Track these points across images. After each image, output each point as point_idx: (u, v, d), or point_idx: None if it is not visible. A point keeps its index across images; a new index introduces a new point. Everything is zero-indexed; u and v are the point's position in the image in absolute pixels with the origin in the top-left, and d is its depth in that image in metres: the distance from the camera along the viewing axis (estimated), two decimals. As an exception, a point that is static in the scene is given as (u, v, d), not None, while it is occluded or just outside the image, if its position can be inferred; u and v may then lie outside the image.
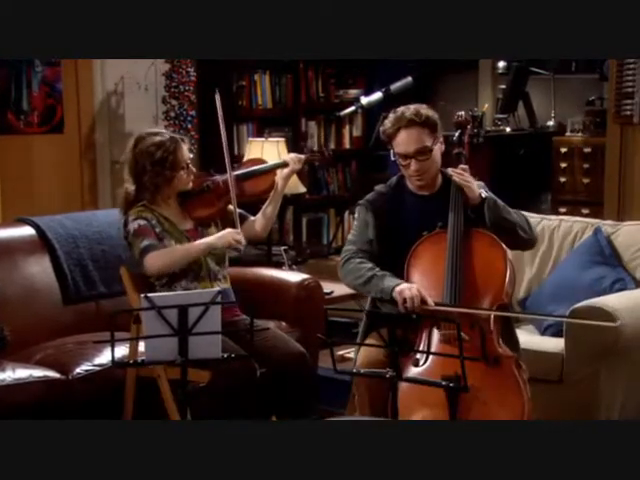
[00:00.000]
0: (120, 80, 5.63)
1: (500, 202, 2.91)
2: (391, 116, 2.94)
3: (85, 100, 5.51)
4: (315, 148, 3.69)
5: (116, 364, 2.58)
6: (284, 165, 3.47)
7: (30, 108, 5.27)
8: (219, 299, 2.52)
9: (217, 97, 3.32)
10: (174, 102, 5.58)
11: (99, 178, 5.61)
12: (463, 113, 3.08)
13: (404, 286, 2.79)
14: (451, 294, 2.77)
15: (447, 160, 3.01)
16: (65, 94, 5.39)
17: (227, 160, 3.29)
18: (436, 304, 2.76)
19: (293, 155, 3.50)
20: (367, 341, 2.89)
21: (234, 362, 2.80)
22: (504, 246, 2.87)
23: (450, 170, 2.92)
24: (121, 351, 3.16)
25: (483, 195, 2.87)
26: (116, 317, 2.46)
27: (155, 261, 3.11)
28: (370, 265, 2.92)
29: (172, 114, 5.59)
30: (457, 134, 3.03)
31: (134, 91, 5.68)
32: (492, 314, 2.79)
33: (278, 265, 4.70)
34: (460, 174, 2.89)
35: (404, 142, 2.89)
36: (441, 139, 2.97)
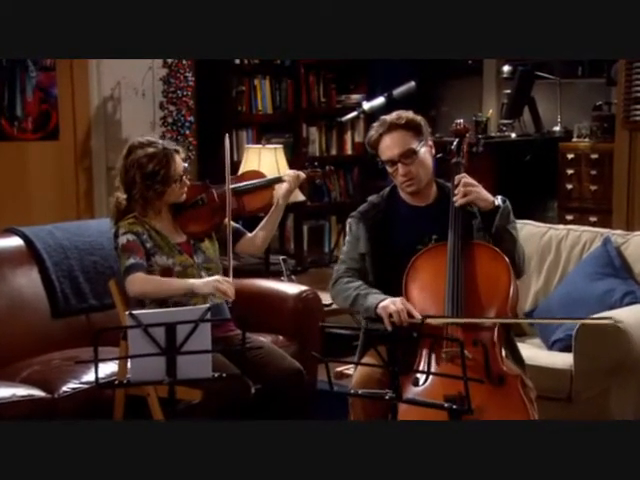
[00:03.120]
0: (117, 85, 5.56)
1: (513, 217, 2.81)
2: (374, 125, 2.89)
3: (81, 106, 5.43)
4: (316, 163, 3.54)
5: (100, 385, 2.44)
6: (281, 180, 3.33)
7: (24, 114, 5.20)
8: (209, 315, 2.39)
9: (226, 141, 3.21)
10: (172, 108, 5.50)
11: (95, 185, 5.53)
12: (461, 121, 2.96)
13: (388, 301, 2.71)
14: (452, 310, 2.65)
15: (446, 169, 2.89)
16: (60, 99, 5.32)
17: (228, 195, 3.17)
18: (424, 316, 2.64)
19: (292, 172, 3.36)
20: (365, 359, 2.77)
21: (227, 381, 2.67)
22: (507, 258, 2.74)
23: (456, 204, 2.75)
24: (110, 368, 3.04)
25: (496, 203, 2.76)
26: (99, 336, 2.33)
27: (135, 284, 3.00)
28: (357, 284, 2.84)
29: (170, 120, 5.50)
30: (455, 143, 2.91)
31: (131, 96, 5.61)
32: (489, 321, 2.65)
33: (276, 275, 4.58)
34: (465, 192, 2.74)
35: (388, 147, 2.82)
36: (430, 143, 2.88)
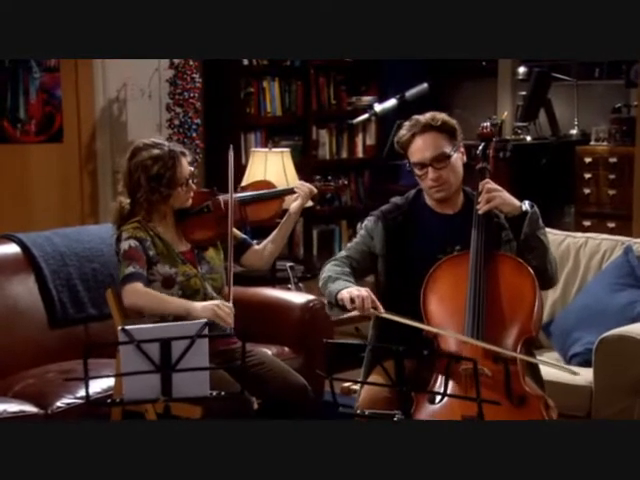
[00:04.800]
0: (122, 86, 5.47)
1: (542, 223, 2.66)
2: (406, 124, 2.74)
3: (85, 107, 5.34)
4: (329, 177, 3.39)
5: (91, 403, 2.32)
6: (291, 192, 3.20)
7: (27, 116, 5.11)
8: (206, 331, 2.26)
9: (230, 153, 3.08)
10: (178, 110, 5.41)
11: (100, 189, 5.43)
12: (488, 124, 2.81)
13: (353, 287, 2.58)
14: (473, 324, 2.50)
15: (470, 175, 2.74)
16: (64, 101, 5.23)
17: (230, 203, 3.05)
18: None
19: (302, 185, 3.19)
20: (371, 376, 2.65)
21: (228, 397, 2.54)
22: (532, 272, 2.59)
23: (480, 211, 2.63)
24: (107, 382, 2.93)
25: (524, 208, 2.62)
26: (90, 351, 2.20)
27: (131, 296, 2.86)
28: (340, 269, 2.70)
29: (176, 122, 5.41)
30: (481, 147, 2.76)
31: (137, 98, 5.52)
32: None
33: (283, 282, 4.44)
34: (489, 198, 2.60)
35: (420, 149, 2.68)
36: (462, 148, 2.73)
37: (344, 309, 2.57)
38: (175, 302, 2.88)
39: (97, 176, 5.42)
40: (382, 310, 2.54)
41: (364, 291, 2.55)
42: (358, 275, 2.76)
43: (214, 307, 2.81)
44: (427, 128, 2.67)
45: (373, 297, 2.55)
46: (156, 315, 2.87)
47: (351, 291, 2.55)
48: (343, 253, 2.79)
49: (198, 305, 2.84)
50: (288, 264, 4.37)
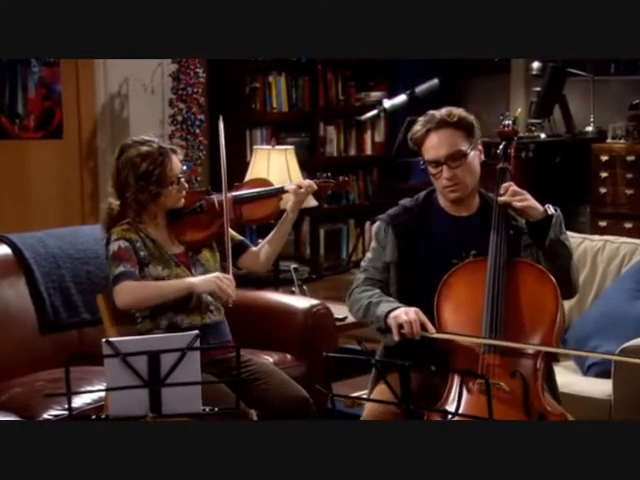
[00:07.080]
0: (124, 81, 5.39)
1: (564, 228, 2.51)
2: (420, 119, 2.58)
3: (86, 103, 5.28)
4: (329, 173, 3.22)
5: (74, 418, 2.18)
6: (283, 191, 3.05)
7: (26, 112, 5.02)
8: (197, 343, 2.11)
9: (220, 124, 3.02)
10: (182, 105, 5.34)
11: (101, 187, 5.34)
12: (510, 122, 2.65)
13: (400, 310, 2.42)
14: (490, 335, 2.35)
15: (489, 176, 2.59)
16: (64, 96, 5.18)
17: (224, 187, 2.93)
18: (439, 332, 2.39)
19: (295, 184, 3.05)
20: (377, 388, 2.49)
21: (222, 412, 2.39)
22: (554, 280, 2.43)
23: (501, 199, 2.48)
24: (98, 393, 2.77)
25: (549, 212, 2.46)
26: (72, 362, 2.05)
27: (125, 294, 2.73)
28: (372, 292, 2.56)
29: (179, 118, 5.34)
30: (502, 146, 2.60)
31: (139, 93, 5.45)
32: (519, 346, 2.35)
33: (287, 283, 4.30)
34: (516, 200, 2.46)
35: (434, 146, 2.51)
36: (480, 146, 2.58)
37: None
38: (173, 285, 2.79)
39: (98, 174, 5.34)
40: (433, 330, 2.40)
41: (412, 313, 2.40)
42: (385, 291, 2.61)
43: (215, 279, 2.76)
44: (442, 124, 2.52)
45: (422, 318, 2.41)
46: (152, 316, 2.77)
47: (398, 316, 2.41)
48: (362, 276, 2.63)
49: (198, 280, 2.79)
50: (292, 266, 4.22)
